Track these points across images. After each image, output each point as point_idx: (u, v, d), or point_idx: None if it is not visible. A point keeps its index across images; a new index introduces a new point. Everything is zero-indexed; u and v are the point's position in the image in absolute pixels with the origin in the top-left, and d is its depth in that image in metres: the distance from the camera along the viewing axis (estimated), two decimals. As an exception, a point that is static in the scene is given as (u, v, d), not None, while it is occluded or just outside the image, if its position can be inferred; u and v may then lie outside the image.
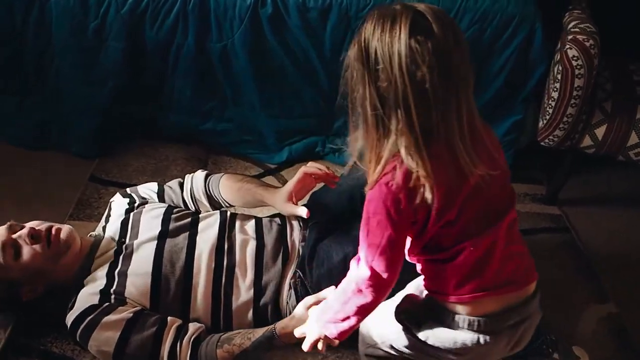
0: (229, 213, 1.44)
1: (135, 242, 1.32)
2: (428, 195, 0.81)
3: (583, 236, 1.82)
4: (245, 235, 1.36)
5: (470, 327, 0.93)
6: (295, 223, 1.43)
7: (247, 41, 1.79)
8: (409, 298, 1.06)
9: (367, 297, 0.91)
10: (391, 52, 0.76)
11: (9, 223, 1.29)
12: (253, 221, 1.42)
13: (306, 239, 1.37)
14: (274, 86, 1.88)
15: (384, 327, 1.08)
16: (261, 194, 1.40)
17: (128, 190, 1.52)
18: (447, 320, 0.96)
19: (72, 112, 1.92)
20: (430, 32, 0.76)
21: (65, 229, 1.32)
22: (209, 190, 1.47)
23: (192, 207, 1.49)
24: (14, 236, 1.26)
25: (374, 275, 0.88)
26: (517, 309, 0.94)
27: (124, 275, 1.26)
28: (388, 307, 1.06)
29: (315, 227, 1.37)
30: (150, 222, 1.36)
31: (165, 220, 1.36)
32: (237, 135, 1.99)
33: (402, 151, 0.80)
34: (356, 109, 0.83)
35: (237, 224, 1.39)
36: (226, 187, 1.45)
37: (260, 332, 1.21)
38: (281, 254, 1.35)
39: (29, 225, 1.29)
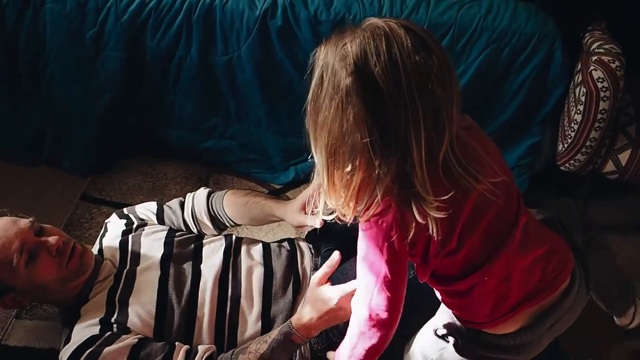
0: (234, 237, 1.35)
1: (138, 268, 1.22)
2: (432, 227, 0.76)
3: (604, 265, 1.75)
4: (251, 260, 1.28)
5: (505, 342, 0.93)
6: (305, 249, 1.34)
7: (255, 54, 1.72)
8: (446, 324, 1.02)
9: (372, 338, 0.88)
10: (397, 77, 0.70)
11: (30, 219, 1.16)
12: (260, 245, 1.33)
13: (318, 267, 1.27)
14: (281, 102, 1.82)
15: (423, 346, 1.05)
16: (270, 206, 1.32)
17: (125, 210, 1.42)
18: (482, 338, 0.94)
19: (65, 124, 1.85)
20: (428, 46, 0.72)
21: (89, 252, 1.22)
22: (213, 210, 1.37)
23: (194, 229, 1.39)
24: (42, 240, 1.14)
25: (374, 316, 0.86)
26: (552, 312, 0.92)
27: (125, 303, 1.15)
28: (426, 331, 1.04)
29: (329, 254, 1.28)
30: (151, 246, 1.27)
31: (168, 244, 1.27)
32: (240, 153, 1.92)
33: (399, 186, 0.75)
34: (341, 148, 0.74)
35: (243, 248, 1.30)
36: (231, 202, 1.35)
37: (275, 332, 1.11)
38: (292, 283, 1.26)
39: (52, 231, 1.18)
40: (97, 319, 1.12)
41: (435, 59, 0.71)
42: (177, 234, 1.32)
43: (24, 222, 1.15)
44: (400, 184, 0.75)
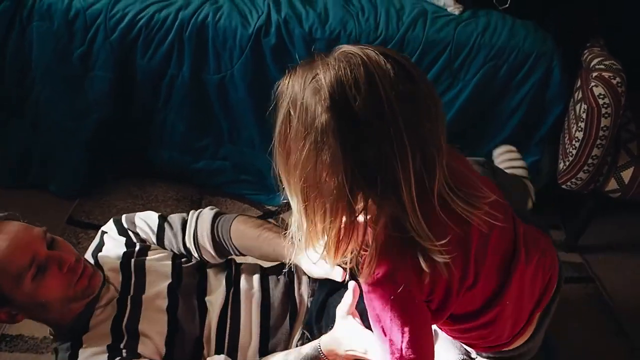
0: (234, 265, 1.29)
1: (144, 296, 1.15)
2: (443, 269, 0.71)
3: (608, 286, 1.72)
4: (250, 290, 1.22)
5: (520, 351, 0.94)
6: (303, 275, 1.27)
7: (248, 73, 1.69)
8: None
9: None
10: (381, 110, 0.64)
11: (44, 228, 1.06)
12: (259, 274, 1.27)
13: (315, 294, 1.23)
14: (275, 121, 1.76)
15: None
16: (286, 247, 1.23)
17: (124, 222, 1.29)
18: (500, 357, 0.95)
19: (52, 145, 1.80)
20: (411, 75, 0.66)
21: (99, 275, 1.13)
22: (218, 235, 1.26)
23: (194, 254, 1.28)
24: (54, 253, 1.04)
25: None
26: (551, 307, 0.93)
27: (134, 331, 1.08)
28: None
29: (325, 279, 1.23)
30: (157, 274, 1.20)
31: (174, 273, 1.20)
32: (233, 174, 1.88)
33: (393, 233, 0.69)
34: (315, 192, 0.68)
35: (243, 277, 1.25)
36: (241, 233, 1.24)
37: (301, 351, 1.04)
38: (289, 312, 1.21)
39: (64, 245, 1.08)
40: (105, 346, 1.04)
41: (420, 89, 0.66)
42: (182, 260, 1.25)
43: (37, 231, 1.05)
44: (395, 230, 0.69)
